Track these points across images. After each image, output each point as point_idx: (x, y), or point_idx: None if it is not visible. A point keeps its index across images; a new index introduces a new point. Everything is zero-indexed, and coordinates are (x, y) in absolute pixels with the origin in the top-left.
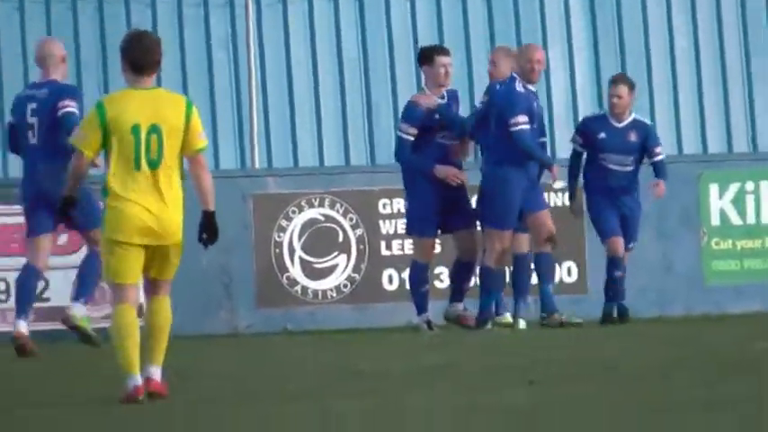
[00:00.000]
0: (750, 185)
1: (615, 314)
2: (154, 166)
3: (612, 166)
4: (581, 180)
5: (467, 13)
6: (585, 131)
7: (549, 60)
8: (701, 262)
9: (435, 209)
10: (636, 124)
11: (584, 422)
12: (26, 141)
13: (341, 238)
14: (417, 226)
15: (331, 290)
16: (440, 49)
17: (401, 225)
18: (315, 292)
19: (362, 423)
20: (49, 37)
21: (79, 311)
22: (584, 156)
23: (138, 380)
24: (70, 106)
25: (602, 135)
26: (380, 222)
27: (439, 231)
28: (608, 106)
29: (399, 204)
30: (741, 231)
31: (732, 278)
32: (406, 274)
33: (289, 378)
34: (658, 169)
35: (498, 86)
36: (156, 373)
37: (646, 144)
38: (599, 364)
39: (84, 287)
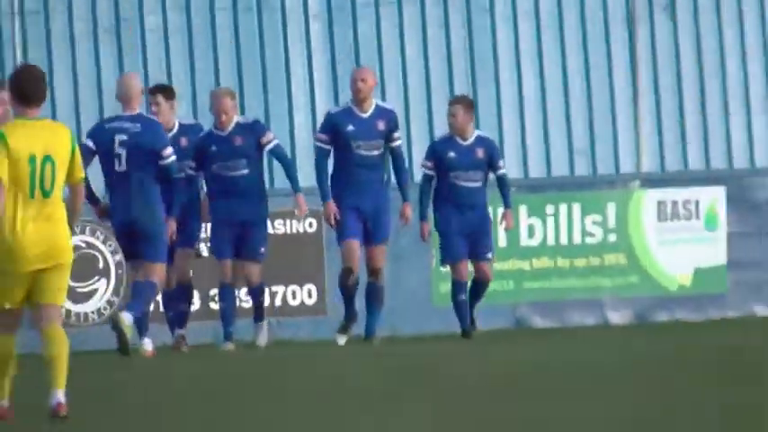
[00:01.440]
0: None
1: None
2: (47, 195)
3: (462, 183)
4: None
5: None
6: (434, 155)
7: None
8: (430, 283)
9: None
10: (481, 141)
11: None
12: (111, 169)
13: (101, 264)
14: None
15: (92, 312)
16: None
17: None
18: (77, 315)
19: None
20: (131, 72)
21: (128, 319)
22: (435, 180)
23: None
24: (172, 156)
25: (452, 154)
26: None
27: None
28: (448, 126)
29: None
30: None
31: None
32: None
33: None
34: (502, 183)
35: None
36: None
37: (491, 159)
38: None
39: (136, 304)
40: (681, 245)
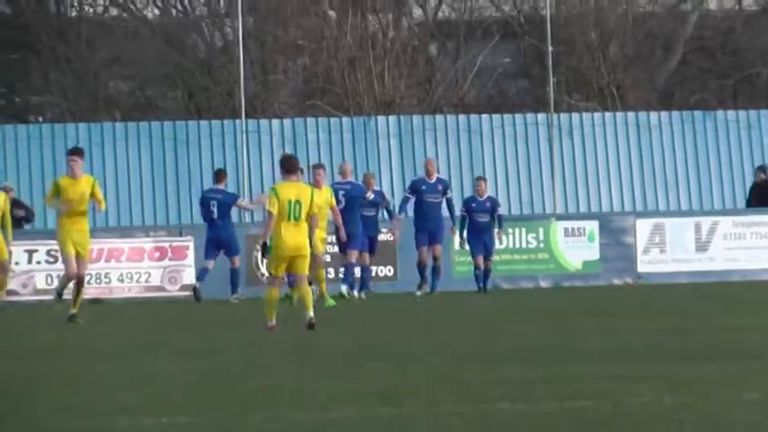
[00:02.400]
0: None
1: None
2: (297, 220)
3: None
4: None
5: None
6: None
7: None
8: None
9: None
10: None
11: None
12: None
13: None
14: None
15: None
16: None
17: None
18: None
19: None
20: None
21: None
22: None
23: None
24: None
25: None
26: None
27: None
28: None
29: None
30: None
31: None
32: None
33: None
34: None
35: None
36: None
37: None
38: None
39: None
40: (576, 248)
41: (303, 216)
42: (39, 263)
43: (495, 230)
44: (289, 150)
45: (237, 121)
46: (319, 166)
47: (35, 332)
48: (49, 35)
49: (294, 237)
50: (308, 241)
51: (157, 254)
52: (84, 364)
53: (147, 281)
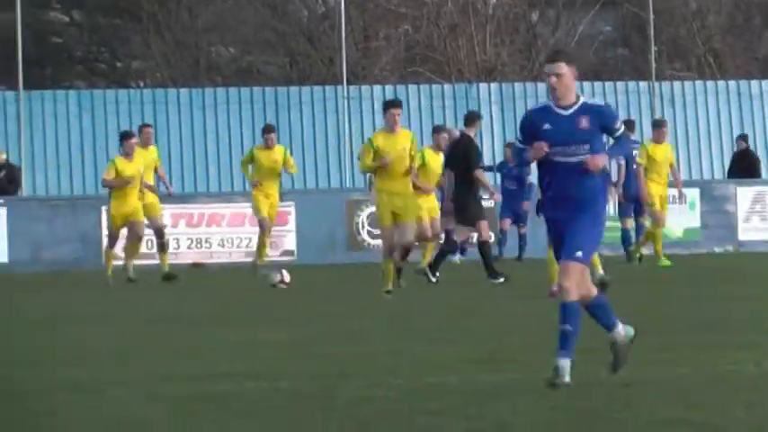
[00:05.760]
0: None
1: None
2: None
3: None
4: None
5: None
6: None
7: None
8: None
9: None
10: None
11: None
12: None
13: None
14: None
15: None
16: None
17: None
18: None
19: None
20: None
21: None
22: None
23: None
24: None
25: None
26: None
27: None
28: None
29: None
30: None
31: None
32: None
33: None
34: None
35: None
36: None
37: None
38: None
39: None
40: (677, 216)
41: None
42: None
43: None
44: None
45: (339, 87)
46: (441, 129)
47: (140, 298)
48: (150, 1)
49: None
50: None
51: None
52: (185, 331)
53: (247, 246)
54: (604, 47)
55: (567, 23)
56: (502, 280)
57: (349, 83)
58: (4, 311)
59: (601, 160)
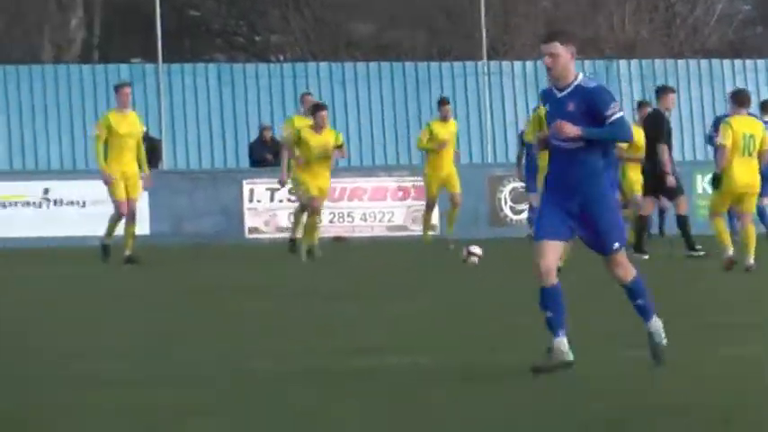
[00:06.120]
0: None
1: None
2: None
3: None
4: None
5: None
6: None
7: None
8: None
9: None
10: None
11: None
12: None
13: None
14: None
15: None
16: None
17: None
18: None
19: None
20: None
21: None
22: None
23: None
24: None
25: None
26: None
27: None
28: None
29: None
30: None
31: None
32: None
33: None
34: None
35: None
36: None
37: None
38: None
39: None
40: None
41: (755, 151)
42: (281, 201)
43: None
44: (530, 93)
45: (479, 62)
46: (644, 104)
47: (277, 269)
48: None
49: (745, 173)
50: (758, 178)
51: (400, 193)
52: (325, 305)
53: (389, 220)
54: (743, 25)
55: (706, 2)
56: (647, 257)
57: (489, 58)
58: (168, 281)
59: (569, 129)
